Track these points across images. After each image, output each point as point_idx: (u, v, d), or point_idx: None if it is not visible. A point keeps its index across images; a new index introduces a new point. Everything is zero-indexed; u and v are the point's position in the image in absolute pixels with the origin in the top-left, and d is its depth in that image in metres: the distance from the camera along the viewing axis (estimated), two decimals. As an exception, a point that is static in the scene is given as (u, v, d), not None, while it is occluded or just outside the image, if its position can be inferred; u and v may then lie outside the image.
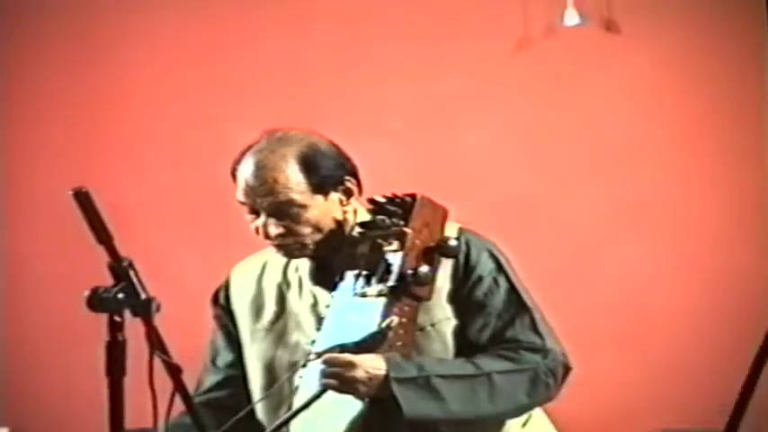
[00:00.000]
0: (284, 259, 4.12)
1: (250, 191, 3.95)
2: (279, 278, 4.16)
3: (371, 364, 3.74)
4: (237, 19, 5.68)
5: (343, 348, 3.78)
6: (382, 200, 3.88)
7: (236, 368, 4.21)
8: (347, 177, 4.00)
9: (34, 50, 6.24)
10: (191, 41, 5.77)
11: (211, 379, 4.24)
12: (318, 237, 3.97)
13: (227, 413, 4.06)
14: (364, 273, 3.83)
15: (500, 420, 3.97)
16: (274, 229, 3.94)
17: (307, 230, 3.95)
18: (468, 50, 5.37)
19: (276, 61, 5.60)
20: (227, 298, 4.24)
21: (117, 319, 3.07)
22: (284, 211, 3.93)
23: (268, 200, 3.93)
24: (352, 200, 4.03)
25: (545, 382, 3.92)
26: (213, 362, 4.26)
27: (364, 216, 3.94)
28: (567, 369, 3.97)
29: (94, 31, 6.03)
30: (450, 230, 3.91)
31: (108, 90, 5.89)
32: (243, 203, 3.99)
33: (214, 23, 5.73)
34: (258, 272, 4.21)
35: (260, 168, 3.95)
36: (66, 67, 6.10)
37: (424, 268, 3.73)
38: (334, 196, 3.98)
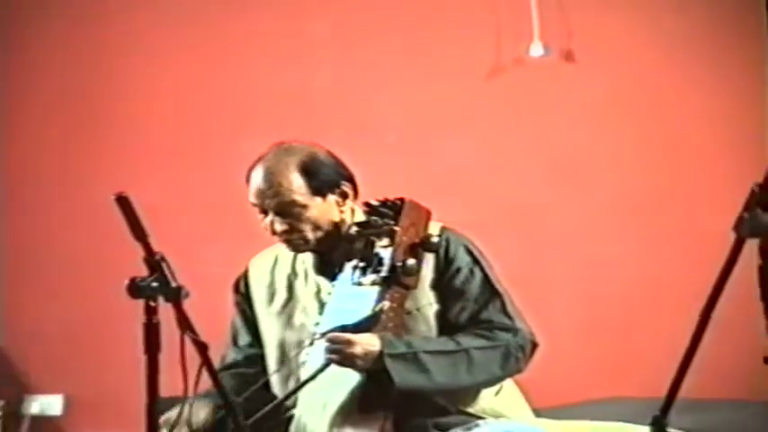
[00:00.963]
0: (292, 253, 4.16)
1: (260, 193, 4.01)
2: (288, 269, 4.20)
3: (367, 342, 3.78)
4: (252, 47, 5.71)
5: (343, 329, 3.82)
6: (375, 203, 3.94)
7: (253, 347, 4.23)
8: (343, 182, 4.05)
9: (63, 54, 6.19)
10: (214, 68, 5.76)
11: (233, 356, 4.26)
12: (318, 233, 4.02)
13: (248, 385, 4.06)
14: (360, 265, 3.87)
15: (477, 389, 3.99)
16: (279, 226, 4.00)
17: (307, 227, 4.00)
18: (451, 75, 5.33)
19: (285, 84, 5.56)
20: (246, 286, 4.28)
21: (152, 304, 3.13)
22: (288, 210, 3.98)
23: (274, 201, 3.99)
24: (348, 201, 4.07)
25: (515, 356, 3.96)
26: (234, 341, 4.28)
27: (360, 217, 3.98)
28: (534, 345, 4.00)
29: (127, 46, 6.05)
30: (433, 229, 3.96)
31: (144, 107, 5.86)
32: (254, 204, 4.04)
33: (232, 53, 5.76)
34: (271, 264, 4.24)
35: (268, 174, 4.00)
36: (102, 82, 6.05)
37: (411, 261, 3.80)
38: (332, 198, 4.03)
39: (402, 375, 3.80)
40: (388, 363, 3.79)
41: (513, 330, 3.98)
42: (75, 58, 6.13)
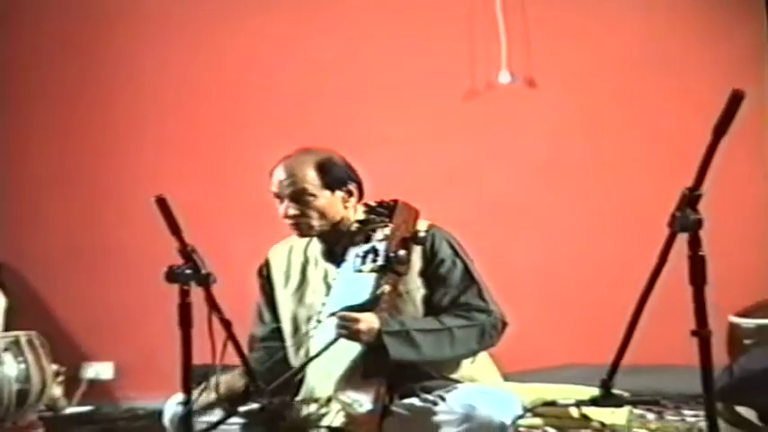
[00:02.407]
0: (305, 242, 4.14)
1: (279, 182, 4.01)
2: (302, 257, 4.17)
3: (369, 320, 3.77)
4: (278, 73, 5.69)
5: (350, 309, 3.82)
6: (373, 204, 3.95)
7: (275, 322, 4.21)
8: (350, 182, 4.04)
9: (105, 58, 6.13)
10: (242, 92, 5.79)
11: (260, 330, 4.23)
12: (323, 222, 4.01)
13: (273, 355, 4.11)
14: (360, 255, 3.86)
15: (457, 360, 3.98)
16: (292, 211, 3.99)
17: (314, 215, 3.99)
18: (435, 97, 5.35)
19: (302, 104, 5.58)
20: (267, 271, 4.26)
21: (185, 288, 3.14)
22: (300, 197, 3.98)
23: (289, 189, 3.98)
24: (353, 200, 4.05)
25: (489, 333, 3.95)
26: (260, 318, 4.26)
27: (360, 215, 3.97)
28: (504, 324, 3.99)
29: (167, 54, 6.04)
30: (422, 226, 3.95)
31: (181, 120, 5.89)
32: (274, 193, 4.03)
33: (264, 80, 5.75)
34: (287, 252, 4.22)
35: (288, 167, 4.01)
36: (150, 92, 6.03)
37: (402, 252, 3.78)
38: (339, 194, 4.02)
39: (396, 349, 3.80)
40: (385, 338, 3.79)
41: (487, 312, 3.97)
42: (120, 68, 6.08)
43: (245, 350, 3.97)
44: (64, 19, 6.19)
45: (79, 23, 6.17)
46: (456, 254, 4.04)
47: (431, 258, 4.01)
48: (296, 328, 4.14)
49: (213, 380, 3.64)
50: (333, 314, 3.86)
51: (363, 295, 3.83)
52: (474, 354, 4.01)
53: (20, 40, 6.23)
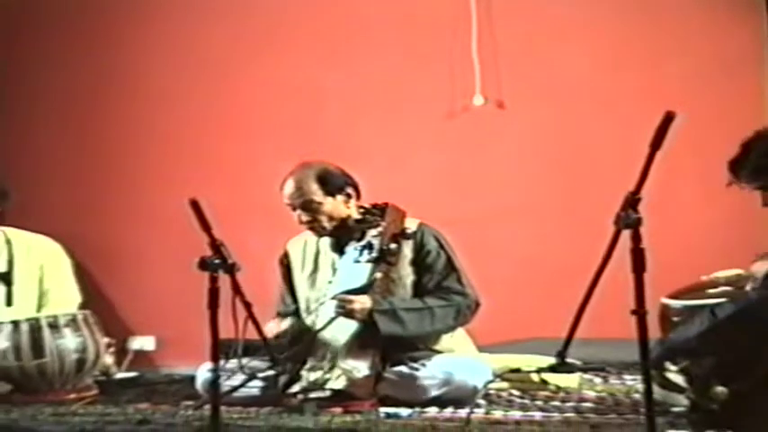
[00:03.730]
0: (316, 237, 4.16)
1: (290, 196, 4.03)
2: (314, 248, 4.19)
3: (363, 301, 3.84)
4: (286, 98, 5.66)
5: (348, 292, 3.88)
6: (368, 206, 4.04)
7: (294, 302, 4.23)
8: (347, 187, 4.05)
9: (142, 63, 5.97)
10: (260, 115, 5.73)
11: (282, 309, 4.25)
12: (333, 223, 4.03)
13: (292, 329, 4.07)
14: (359, 248, 3.94)
15: (438, 334, 4.00)
16: (305, 217, 4.03)
17: (324, 218, 4.02)
18: (420, 117, 5.31)
19: (306, 125, 5.54)
20: (287, 260, 4.28)
21: (214, 275, 3.13)
22: (309, 206, 4.01)
23: (299, 201, 4.02)
24: (352, 201, 4.06)
25: (464, 313, 4.00)
26: (282, 299, 4.28)
27: (357, 216, 4.03)
28: (477, 305, 4.02)
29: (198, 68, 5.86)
30: (412, 224, 4.00)
31: (210, 130, 5.77)
32: (287, 204, 4.05)
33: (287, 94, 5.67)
34: (303, 245, 4.24)
35: (294, 183, 4.03)
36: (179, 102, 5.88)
37: (393, 245, 3.86)
38: (339, 198, 4.03)
39: (385, 325, 3.85)
40: (376, 316, 3.84)
41: (464, 295, 4.00)
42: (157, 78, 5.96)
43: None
44: (86, 20, 6.06)
45: (103, 28, 6.05)
46: (441, 246, 4.06)
47: (419, 250, 4.03)
48: (308, 307, 4.15)
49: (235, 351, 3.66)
50: (333, 297, 3.92)
51: (360, 281, 3.90)
52: (451, 329, 4.03)
53: (43, 41, 6.10)
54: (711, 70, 5.11)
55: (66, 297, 4.58)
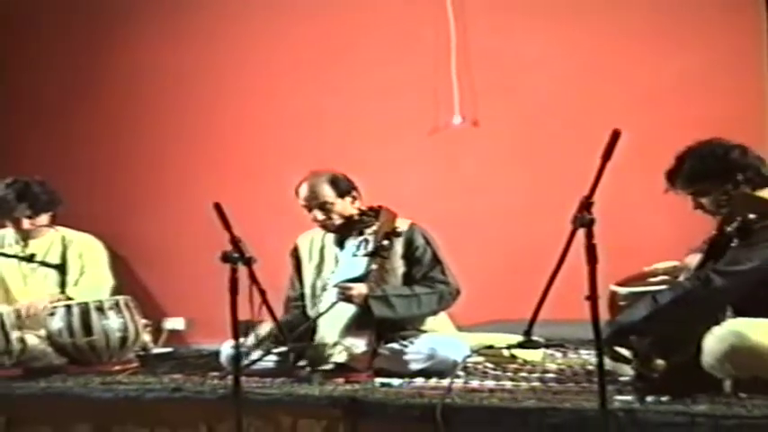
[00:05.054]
0: (322, 233, 4.15)
1: (305, 199, 4.03)
2: (320, 243, 4.18)
3: (360, 288, 3.85)
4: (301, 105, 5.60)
5: (348, 281, 3.89)
6: (364, 208, 4.01)
7: (302, 288, 4.21)
8: (353, 190, 4.06)
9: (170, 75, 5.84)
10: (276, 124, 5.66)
11: (292, 294, 4.24)
12: (341, 221, 4.02)
13: (300, 314, 4.12)
14: (357, 243, 3.94)
15: (423, 317, 4.00)
16: (320, 216, 4.03)
17: (335, 216, 4.02)
18: (408, 133, 5.28)
19: (315, 138, 5.49)
20: (297, 252, 4.26)
21: (234, 267, 3.12)
22: (323, 207, 4.01)
23: (314, 202, 4.02)
24: (357, 202, 4.05)
25: (446, 299, 3.99)
26: (292, 286, 4.26)
27: (356, 216, 4.00)
28: (458, 292, 4.01)
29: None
30: (403, 224, 3.99)
31: (229, 136, 5.74)
32: (303, 205, 4.05)
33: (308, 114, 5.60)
34: (310, 240, 4.22)
35: (309, 187, 4.03)
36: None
37: (386, 242, 3.87)
38: (348, 199, 4.03)
39: (378, 309, 3.85)
40: (371, 301, 3.84)
41: (446, 284, 3.99)
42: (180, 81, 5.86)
43: (282, 308, 4.11)
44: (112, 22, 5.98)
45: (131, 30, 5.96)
46: (427, 243, 4.05)
47: (409, 246, 4.02)
48: (314, 294, 4.15)
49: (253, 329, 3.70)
50: (335, 285, 3.92)
51: (358, 272, 3.90)
52: (435, 313, 4.03)
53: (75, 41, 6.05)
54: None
55: (99, 281, 4.59)
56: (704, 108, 4.65)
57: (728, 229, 2.98)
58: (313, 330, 3.93)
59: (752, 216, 2.92)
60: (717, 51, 4.72)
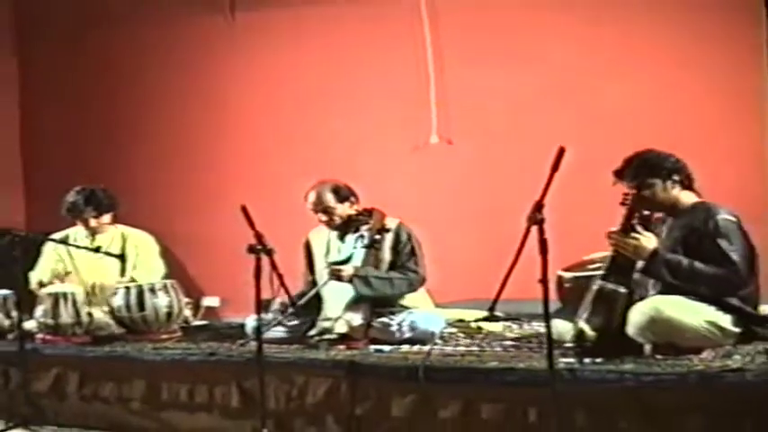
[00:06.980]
0: (327, 230, 4.08)
1: (312, 204, 3.98)
2: (326, 237, 4.10)
3: (347, 269, 3.80)
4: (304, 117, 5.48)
5: (336, 263, 3.87)
6: (360, 209, 3.97)
7: (312, 275, 4.12)
8: (351, 196, 3.99)
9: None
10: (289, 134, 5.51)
11: (307, 280, 4.14)
12: (341, 221, 3.97)
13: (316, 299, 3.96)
14: (355, 238, 3.90)
15: (396, 297, 3.91)
16: (324, 218, 3.98)
17: (337, 218, 3.97)
18: (394, 150, 5.19)
19: (318, 150, 5.36)
20: (309, 245, 4.18)
21: (258, 256, 3.11)
22: (327, 211, 3.96)
23: (319, 207, 3.97)
24: (355, 206, 3.99)
25: (414, 285, 3.92)
26: (306, 273, 4.17)
27: (354, 216, 3.96)
28: (424, 280, 3.94)
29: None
30: (392, 223, 3.93)
31: (252, 141, 5.58)
32: (310, 209, 4.00)
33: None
34: (318, 234, 4.14)
35: (316, 194, 3.98)
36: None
37: (378, 237, 3.83)
38: (347, 204, 3.98)
39: (359, 287, 3.80)
40: (354, 280, 3.79)
41: (416, 273, 3.92)
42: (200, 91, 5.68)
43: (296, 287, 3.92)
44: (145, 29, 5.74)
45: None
46: (409, 239, 3.97)
47: (396, 241, 3.96)
48: (322, 278, 4.04)
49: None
50: (327, 266, 3.89)
51: (356, 262, 3.84)
52: (403, 294, 3.93)
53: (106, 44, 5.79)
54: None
55: (151, 268, 4.56)
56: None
57: (633, 222, 3.12)
58: (320, 304, 3.88)
59: (646, 213, 3.15)
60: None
